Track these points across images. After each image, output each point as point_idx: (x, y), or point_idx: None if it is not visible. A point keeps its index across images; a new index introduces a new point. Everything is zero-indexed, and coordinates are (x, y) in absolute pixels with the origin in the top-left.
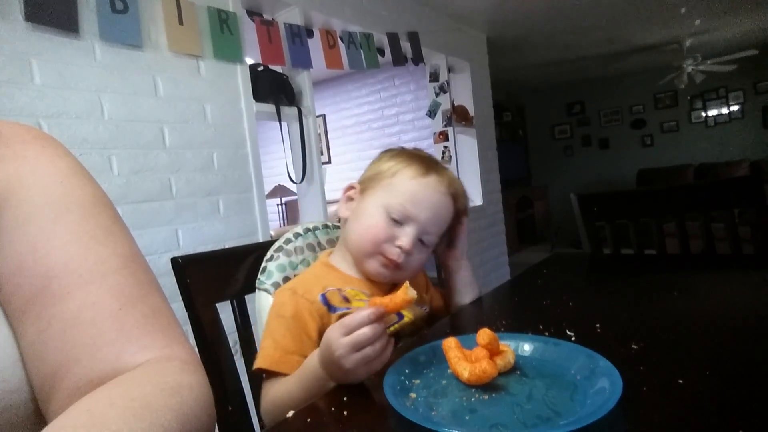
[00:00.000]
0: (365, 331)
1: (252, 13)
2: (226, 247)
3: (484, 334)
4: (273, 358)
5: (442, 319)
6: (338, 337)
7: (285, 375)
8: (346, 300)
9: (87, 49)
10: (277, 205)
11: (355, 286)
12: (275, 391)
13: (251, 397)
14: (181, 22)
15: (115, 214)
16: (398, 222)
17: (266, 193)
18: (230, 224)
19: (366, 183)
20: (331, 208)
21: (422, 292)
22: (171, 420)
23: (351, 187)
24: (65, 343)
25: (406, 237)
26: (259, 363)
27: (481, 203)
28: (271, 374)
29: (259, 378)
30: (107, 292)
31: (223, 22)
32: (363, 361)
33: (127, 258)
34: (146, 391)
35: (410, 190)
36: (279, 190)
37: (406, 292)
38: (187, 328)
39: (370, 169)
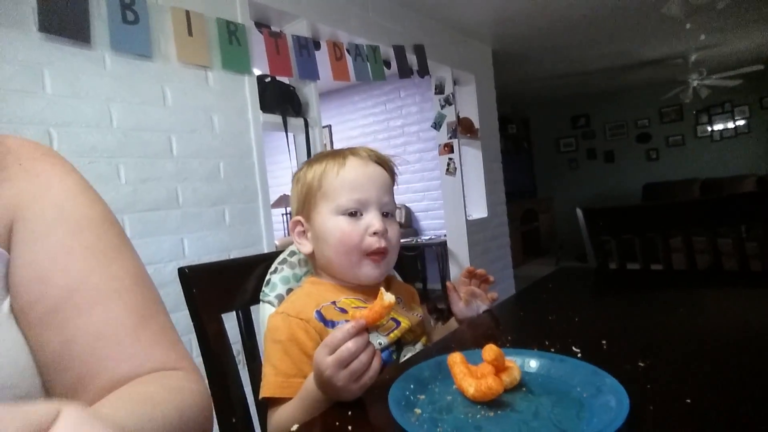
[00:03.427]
0: (348, 347)
1: (260, 25)
2: (231, 256)
3: (490, 350)
4: (275, 384)
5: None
6: (324, 357)
7: (289, 399)
8: (343, 311)
9: (97, 59)
10: (282, 214)
11: (348, 295)
12: (278, 417)
13: (255, 408)
14: (190, 33)
15: (122, 231)
16: (357, 214)
17: (271, 202)
18: (235, 234)
19: (304, 209)
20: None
21: (410, 302)
22: (170, 410)
23: (297, 222)
24: (89, 356)
25: (374, 220)
26: (263, 392)
27: (486, 215)
28: (275, 401)
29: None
30: (124, 309)
31: (231, 33)
32: (352, 376)
33: (137, 277)
34: (150, 389)
35: (345, 182)
36: (284, 200)
37: (383, 298)
38: (193, 337)
39: (295, 198)
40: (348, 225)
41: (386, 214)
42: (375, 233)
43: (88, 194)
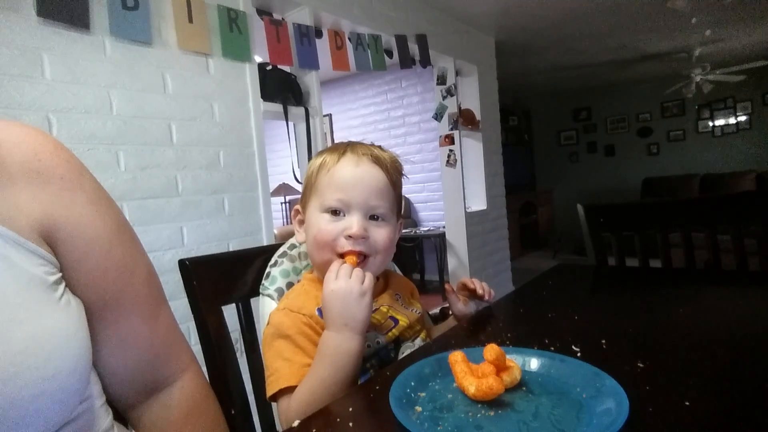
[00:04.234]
0: (357, 272)
1: (262, 12)
2: (231, 245)
3: (491, 350)
4: (292, 374)
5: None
6: (347, 279)
7: None
8: None
9: (97, 45)
10: (281, 203)
11: None
12: (299, 394)
13: (255, 402)
14: (190, 20)
15: (133, 234)
16: (340, 214)
17: (270, 191)
18: (235, 222)
19: (303, 200)
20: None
21: (409, 297)
22: None
23: (297, 211)
24: (132, 359)
25: (353, 223)
26: (281, 383)
27: (485, 207)
28: (286, 392)
29: (263, 381)
30: (150, 318)
31: (232, 20)
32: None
33: (151, 284)
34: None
35: (333, 180)
36: (283, 189)
37: None
38: (191, 325)
39: (303, 187)
40: (326, 223)
41: (376, 218)
42: (349, 236)
43: (104, 200)
